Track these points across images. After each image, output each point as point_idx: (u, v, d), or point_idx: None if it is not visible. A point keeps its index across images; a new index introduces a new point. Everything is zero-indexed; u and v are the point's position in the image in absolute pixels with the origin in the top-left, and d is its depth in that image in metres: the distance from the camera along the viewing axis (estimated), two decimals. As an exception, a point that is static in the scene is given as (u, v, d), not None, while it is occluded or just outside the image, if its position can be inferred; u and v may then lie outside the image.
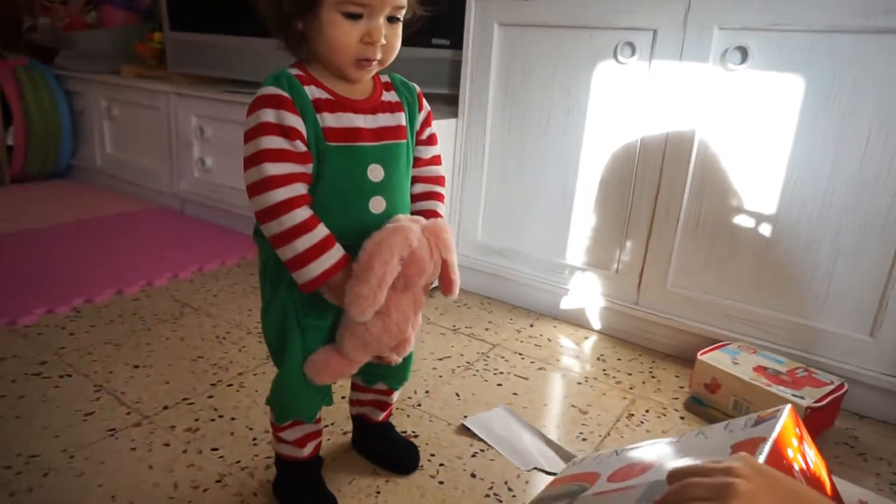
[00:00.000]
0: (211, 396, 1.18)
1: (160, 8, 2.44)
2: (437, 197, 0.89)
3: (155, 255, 1.87)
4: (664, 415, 1.21)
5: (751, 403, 1.13)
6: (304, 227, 0.73)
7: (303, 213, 0.73)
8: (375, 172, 0.78)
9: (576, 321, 1.58)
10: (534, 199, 1.60)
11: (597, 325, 1.56)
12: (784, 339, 1.30)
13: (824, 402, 1.08)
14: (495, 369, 1.34)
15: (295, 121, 0.73)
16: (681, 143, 1.36)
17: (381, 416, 1.02)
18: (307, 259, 0.73)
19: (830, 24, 1.16)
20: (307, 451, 0.91)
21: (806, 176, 1.24)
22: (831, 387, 1.13)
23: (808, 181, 1.24)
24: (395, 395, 1.02)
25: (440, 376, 1.30)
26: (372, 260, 0.72)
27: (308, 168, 0.75)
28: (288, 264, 0.74)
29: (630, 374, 1.35)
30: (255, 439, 1.06)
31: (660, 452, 0.67)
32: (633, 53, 1.38)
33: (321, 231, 0.74)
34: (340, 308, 0.78)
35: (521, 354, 1.42)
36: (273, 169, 0.71)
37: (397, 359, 0.86)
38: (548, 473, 1.01)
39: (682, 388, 1.31)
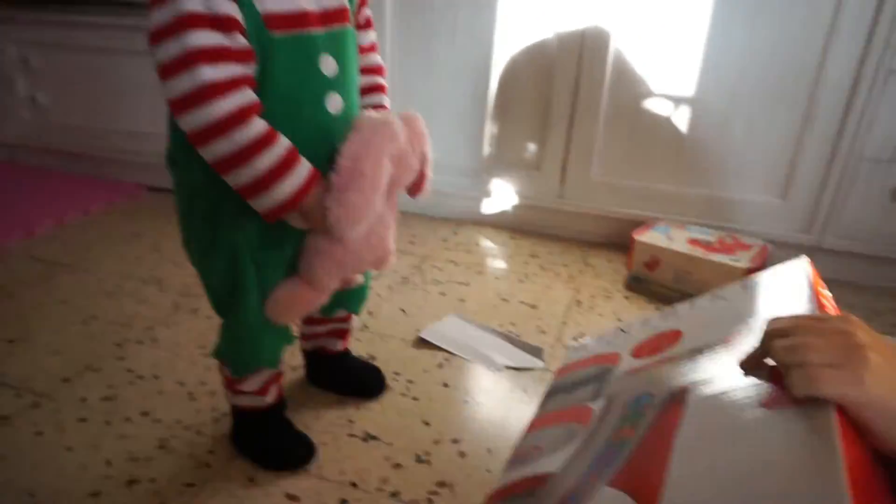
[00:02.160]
0: (122, 358, 1.00)
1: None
2: (383, 89, 0.78)
3: (-6, 214, 1.55)
4: (610, 297, 1.22)
5: (690, 274, 1.16)
6: (263, 142, 0.57)
7: (259, 125, 0.57)
8: (328, 65, 0.64)
9: (499, 224, 1.54)
10: (443, 103, 1.49)
11: (522, 224, 1.53)
12: (706, 214, 1.34)
13: (757, 263, 1.13)
14: (433, 279, 1.27)
15: (230, 7, 0.55)
16: (598, 37, 1.31)
17: (341, 345, 0.92)
18: (271, 180, 0.58)
19: None
20: (270, 397, 0.80)
21: (722, 55, 1.25)
22: (758, 248, 1.19)
23: (724, 60, 1.25)
24: (356, 320, 0.92)
25: (378, 295, 1.21)
26: (360, 163, 0.61)
27: (251, 68, 0.58)
28: (244, 190, 0.59)
29: (566, 266, 1.34)
30: (190, 393, 0.91)
31: (680, 322, 0.64)
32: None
33: (283, 144, 0.59)
34: (300, 233, 0.66)
35: (453, 262, 1.35)
36: (212, 73, 0.54)
37: (360, 279, 0.78)
38: (520, 370, 0.98)
39: (618, 271, 1.32)
